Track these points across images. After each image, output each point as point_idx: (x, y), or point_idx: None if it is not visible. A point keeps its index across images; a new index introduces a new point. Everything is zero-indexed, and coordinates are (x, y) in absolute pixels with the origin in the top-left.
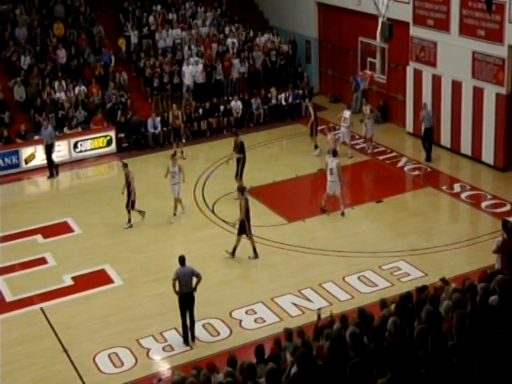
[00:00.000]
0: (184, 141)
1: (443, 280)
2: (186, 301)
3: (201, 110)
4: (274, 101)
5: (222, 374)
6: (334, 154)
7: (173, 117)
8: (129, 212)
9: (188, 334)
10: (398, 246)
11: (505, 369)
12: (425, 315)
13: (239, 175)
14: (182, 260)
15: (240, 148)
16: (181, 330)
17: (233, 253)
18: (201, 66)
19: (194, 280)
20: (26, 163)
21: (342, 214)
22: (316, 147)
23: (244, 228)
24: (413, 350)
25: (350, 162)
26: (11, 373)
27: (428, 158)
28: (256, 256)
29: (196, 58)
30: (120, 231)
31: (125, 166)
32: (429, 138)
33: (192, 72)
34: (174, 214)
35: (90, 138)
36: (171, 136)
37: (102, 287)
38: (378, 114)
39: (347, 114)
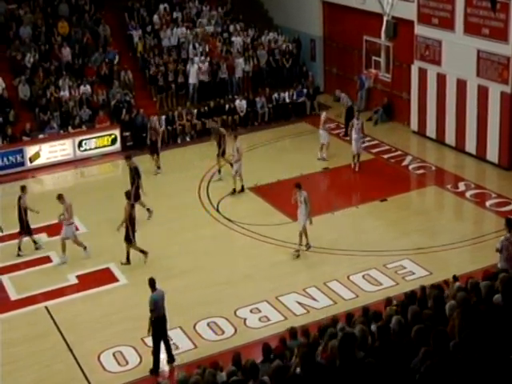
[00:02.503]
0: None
1: (454, 278)
2: (162, 324)
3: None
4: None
5: (225, 372)
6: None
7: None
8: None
9: (159, 361)
10: (403, 244)
11: (506, 367)
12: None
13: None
14: (152, 284)
15: (135, 172)
16: (185, 328)
17: (127, 259)
18: (207, 65)
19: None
20: (31, 162)
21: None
22: (219, 171)
23: (128, 234)
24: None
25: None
26: (16, 371)
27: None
28: (128, 262)
29: (202, 58)
30: (124, 229)
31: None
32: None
33: (197, 71)
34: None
35: (95, 137)
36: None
37: (106, 286)
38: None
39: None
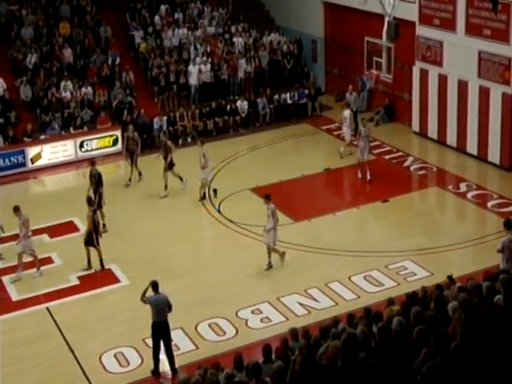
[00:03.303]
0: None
1: (450, 278)
2: (160, 329)
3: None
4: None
5: (223, 375)
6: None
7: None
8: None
9: (159, 363)
10: (404, 245)
11: (508, 368)
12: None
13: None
14: (155, 286)
15: (98, 179)
16: (187, 329)
17: (88, 264)
18: (209, 66)
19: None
20: (33, 163)
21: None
22: (166, 187)
23: (91, 239)
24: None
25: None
26: (17, 372)
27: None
28: (102, 268)
29: (204, 58)
30: (125, 230)
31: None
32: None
33: (199, 71)
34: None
35: (96, 138)
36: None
37: (107, 287)
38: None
39: (347, 113)
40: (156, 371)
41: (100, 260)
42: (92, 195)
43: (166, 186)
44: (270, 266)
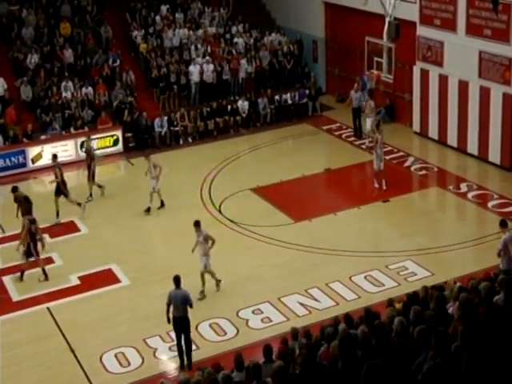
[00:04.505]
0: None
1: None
2: (180, 324)
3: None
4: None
5: (220, 376)
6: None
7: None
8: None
9: (184, 358)
10: (405, 245)
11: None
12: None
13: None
14: (177, 281)
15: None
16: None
17: (21, 276)
18: (211, 66)
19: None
20: (33, 163)
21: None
22: (91, 195)
23: (30, 250)
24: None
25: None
26: (18, 373)
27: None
28: (46, 279)
29: (207, 58)
30: (127, 231)
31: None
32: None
33: (201, 71)
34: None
35: (97, 138)
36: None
37: (108, 287)
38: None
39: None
40: (182, 366)
41: (42, 270)
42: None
43: (90, 194)
44: (203, 296)
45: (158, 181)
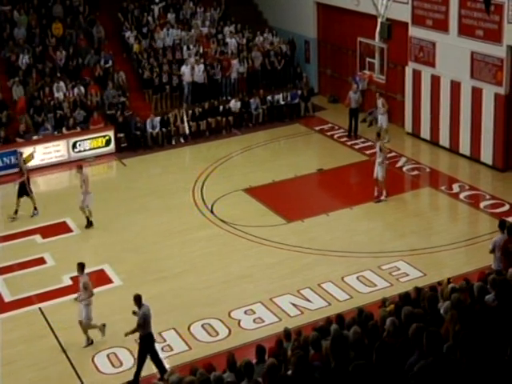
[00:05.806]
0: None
1: (449, 281)
2: (151, 341)
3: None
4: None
5: (212, 377)
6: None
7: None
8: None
9: (140, 376)
10: (397, 246)
11: (500, 367)
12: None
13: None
14: (139, 300)
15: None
16: (179, 330)
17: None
18: (202, 66)
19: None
20: (25, 163)
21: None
22: (16, 212)
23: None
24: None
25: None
26: (10, 373)
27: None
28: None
29: (197, 58)
30: (119, 231)
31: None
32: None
33: (192, 72)
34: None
35: (89, 138)
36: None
37: (100, 287)
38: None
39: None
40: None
41: None
42: None
43: (16, 211)
44: (90, 343)
45: (86, 195)
